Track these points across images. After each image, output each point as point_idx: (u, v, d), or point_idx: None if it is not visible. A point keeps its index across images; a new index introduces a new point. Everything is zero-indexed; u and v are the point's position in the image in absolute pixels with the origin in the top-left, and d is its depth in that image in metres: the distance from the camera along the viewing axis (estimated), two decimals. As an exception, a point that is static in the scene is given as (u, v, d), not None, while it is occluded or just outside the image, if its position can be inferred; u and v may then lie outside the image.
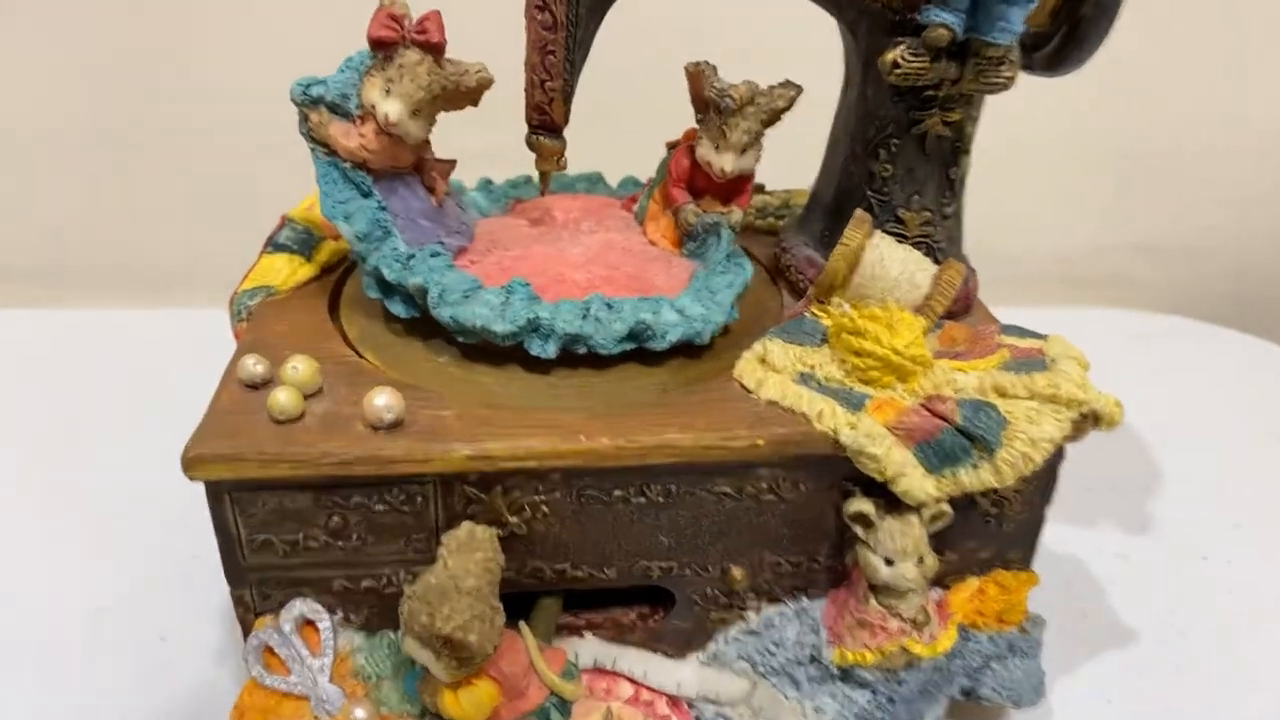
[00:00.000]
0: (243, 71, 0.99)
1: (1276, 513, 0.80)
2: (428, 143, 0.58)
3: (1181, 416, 0.93)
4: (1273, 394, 0.98)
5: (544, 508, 0.51)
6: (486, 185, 0.71)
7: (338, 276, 0.63)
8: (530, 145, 0.59)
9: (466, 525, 0.48)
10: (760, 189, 0.75)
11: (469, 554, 0.47)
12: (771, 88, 0.55)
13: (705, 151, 0.57)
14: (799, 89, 0.55)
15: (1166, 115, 1.09)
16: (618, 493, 0.51)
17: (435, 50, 0.53)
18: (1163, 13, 1.02)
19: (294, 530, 0.50)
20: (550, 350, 0.53)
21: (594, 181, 0.73)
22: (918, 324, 0.52)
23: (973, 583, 0.57)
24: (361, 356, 0.55)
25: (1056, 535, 0.75)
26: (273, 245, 0.62)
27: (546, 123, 0.57)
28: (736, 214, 0.58)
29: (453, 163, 0.62)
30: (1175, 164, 1.12)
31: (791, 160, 0.71)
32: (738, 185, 0.58)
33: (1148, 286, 1.17)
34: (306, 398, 0.50)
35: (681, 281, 0.57)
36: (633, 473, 0.50)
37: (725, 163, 0.56)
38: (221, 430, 0.48)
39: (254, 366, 0.51)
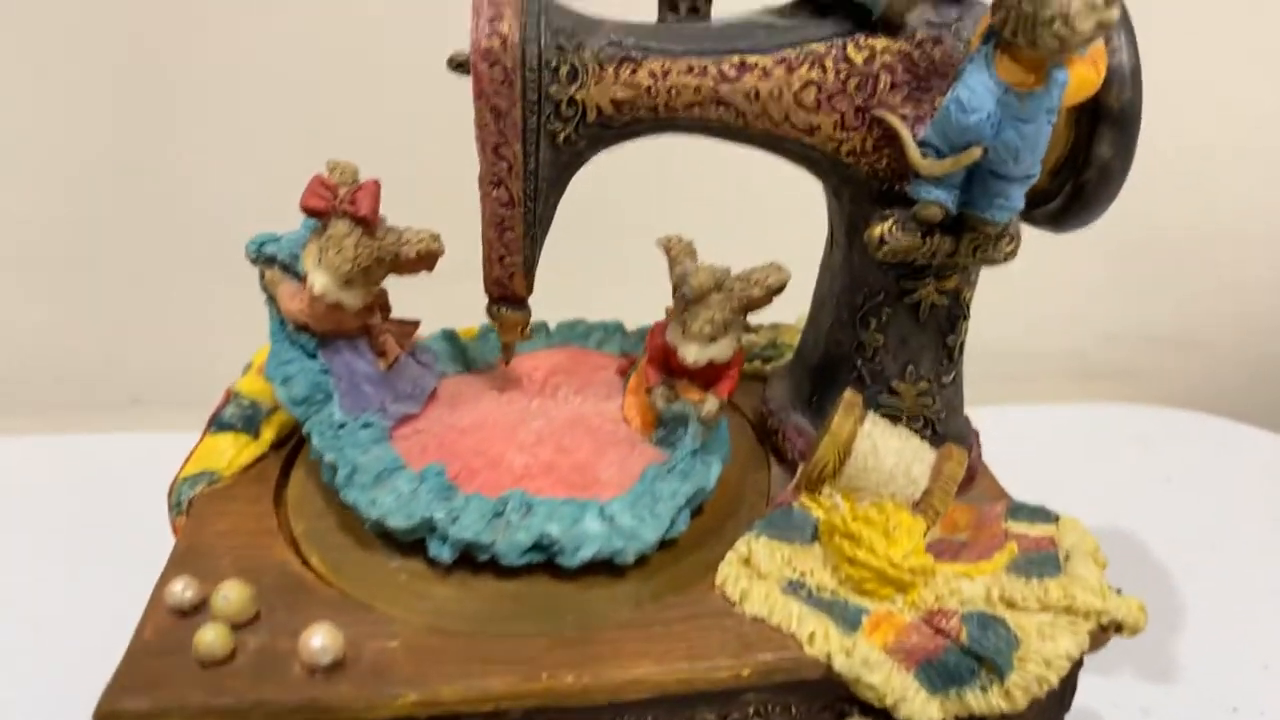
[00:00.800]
0: (210, 190, 0.95)
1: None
2: (379, 306, 0.56)
3: (1199, 530, 0.87)
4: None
5: (502, 747, 0.46)
6: (486, 333, 0.66)
7: (286, 454, 0.58)
8: (491, 316, 0.54)
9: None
10: (745, 328, 0.70)
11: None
12: (751, 272, 0.50)
13: (672, 335, 0.52)
14: (784, 276, 0.50)
15: (1175, 203, 1.06)
16: (587, 727, 0.46)
17: (364, 223, 0.51)
18: (1172, 99, 0.98)
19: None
20: (445, 555, 0.48)
21: (610, 332, 0.68)
22: (917, 528, 0.47)
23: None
24: (306, 562, 0.50)
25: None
26: (216, 424, 0.58)
27: (507, 295, 0.53)
28: (711, 404, 0.52)
29: (415, 324, 0.59)
30: (1185, 253, 1.08)
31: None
32: (718, 371, 0.53)
33: (1159, 378, 1.12)
34: (240, 627, 0.45)
35: (633, 477, 0.51)
36: (603, 708, 0.45)
37: (687, 352, 0.51)
38: (141, 679, 0.43)
39: (183, 592, 0.46)
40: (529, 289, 0.53)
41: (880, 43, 0.46)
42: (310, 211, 0.51)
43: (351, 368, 0.56)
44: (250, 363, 0.66)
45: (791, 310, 0.74)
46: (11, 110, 0.91)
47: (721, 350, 0.51)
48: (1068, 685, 0.49)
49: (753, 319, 0.72)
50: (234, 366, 0.67)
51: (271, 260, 0.54)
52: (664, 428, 0.54)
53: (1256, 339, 1.11)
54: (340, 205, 0.51)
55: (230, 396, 0.59)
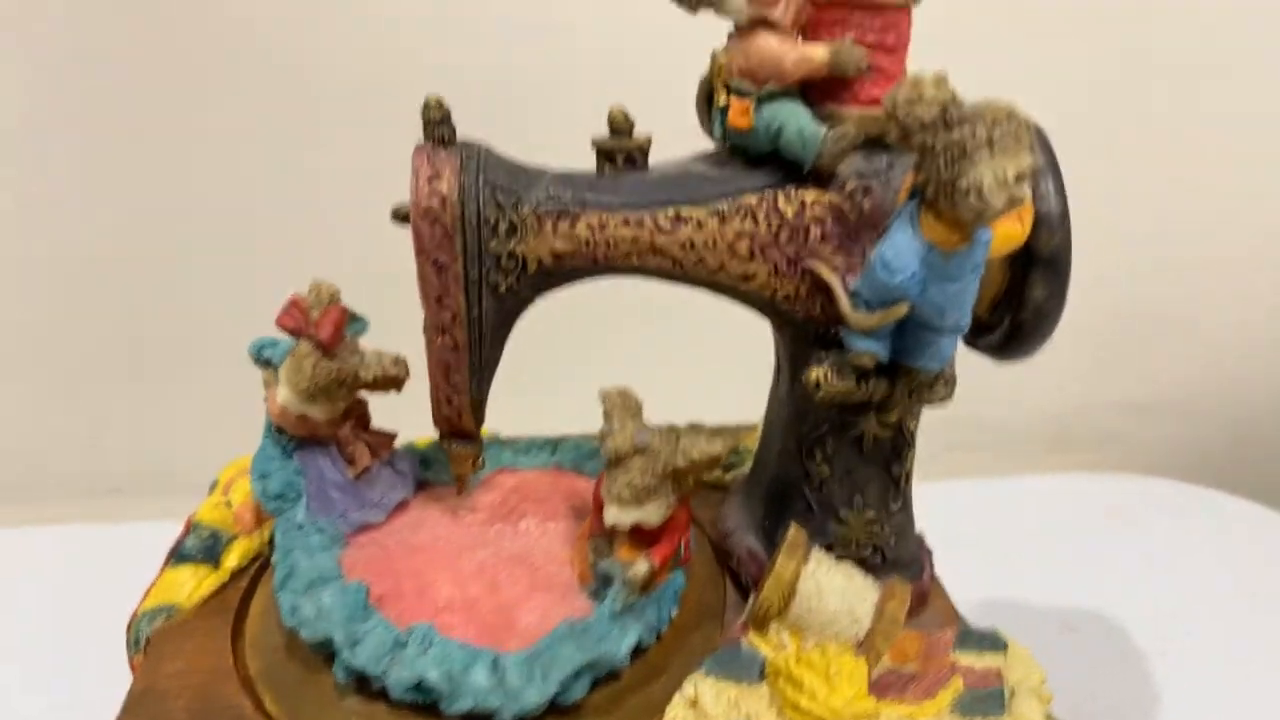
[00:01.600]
0: (194, 284, 0.97)
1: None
2: (356, 416, 0.58)
3: (1179, 604, 0.86)
4: (1275, 568, 0.92)
5: None
6: (541, 445, 0.66)
7: (246, 585, 0.59)
8: (443, 449, 0.55)
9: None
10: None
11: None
12: (684, 435, 0.50)
13: (603, 491, 0.51)
14: (714, 450, 0.49)
15: (1149, 271, 1.06)
16: None
17: (322, 347, 0.54)
18: (1146, 168, 0.99)
19: None
20: (341, 678, 0.49)
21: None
22: (859, 672, 0.47)
23: None
24: (259, 704, 0.51)
25: None
26: (177, 556, 0.58)
27: (457, 431, 0.54)
28: (640, 567, 0.49)
29: (391, 436, 0.60)
30: (1159, 318, 1.09)
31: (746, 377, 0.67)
32: (657, 532, 0.51)
33: (1136, 446, 1.12)
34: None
35: (547, 628, 0.50)
36: None
37: (608, 514, 0.49)
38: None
39: (132, 747, 0.46)
40: (479, 424, 0.54)
41: (810, 195, 0.47)
42: (282, 329, 0.54)
43: (322, 473, 0.57)
44: (215, 481, 0.67)
45: (755, 411, 0.75)
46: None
47: (648, 514, 0.49)
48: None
49: (711, 421, 0.73)
50: (214, 458, 0.67)
51: (268, 363, 0.58)
52: (595, 580, 0.53)
53: (1232, 404, 1.11)
54: (307, 328, 0.53)
55: (190, 527, 0.60)
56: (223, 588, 0.58)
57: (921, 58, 0.46)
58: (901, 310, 0.44)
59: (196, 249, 0.96)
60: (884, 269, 0.43)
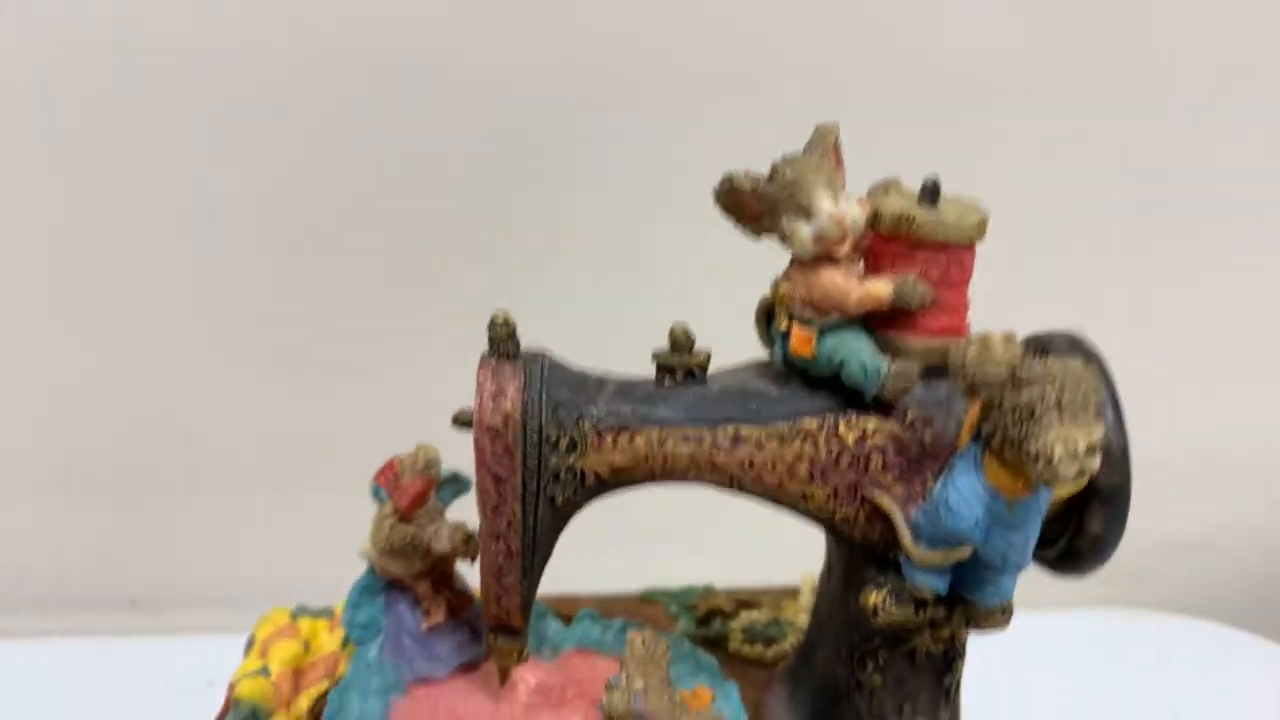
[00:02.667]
0: (207, 402, 0.97)
1: None
2: (440, 573, 0.59)
3: None
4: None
5: None
6: (590, 618, 0.65)
7: (286, 761, 0.58)
8: (489, 644, 0.55)
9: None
10: (748, 604, 0.71)
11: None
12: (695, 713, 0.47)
13: None
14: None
15: (1187, 408, 1.05)
16: None
17: (398, 512, 0.56)
18: (1186, 302, 0.99)
19: None
20: None
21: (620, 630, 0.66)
22: None
23: None
24: None
25: None
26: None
27: (505, 627, 0.53)
28: None
29: (470, 597, 0.61)
30: (1204, 454, 1.08)
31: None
32: None
33: (1169, 584, 1.11)
34: None
35: None
36: None
37: None
38: None
39: None
40: (526, 621, 0.54)
41: (872, 423, 0.47)
42: (379, 485, 0.57)
43: (400, 618, 0.59)
44: (252, 638, 0.66)
45: (794, 570, 0.75)
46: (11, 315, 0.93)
47: None
48: None
49: (750, 584, 0.73)
50: (234, 570, 0.67)
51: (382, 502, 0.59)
52: None
53: (1267, 546, 1.10)
54: (393, 491, 0.56)
55: (230, 705, 0.59)
56: (262, 764, 0.58)
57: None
58: (965, 553, 0.44)
59: (209, 368, 0.96)
60: (948, 513, 0.43)
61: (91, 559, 1.03)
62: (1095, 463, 0.39)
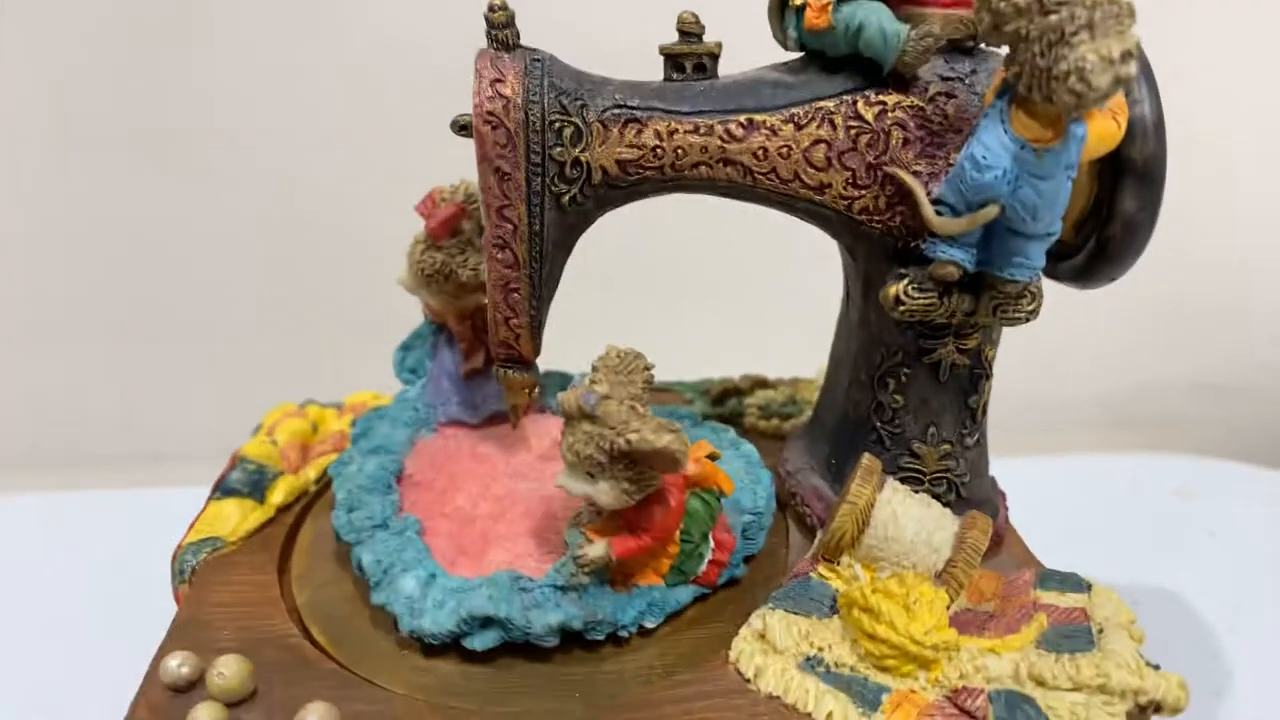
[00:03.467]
0: (228, 249, 0.96)
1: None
2: (481, 317, 0.58)
3: (1244, 588, 0.83)
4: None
5: (510, 833, 0.44)
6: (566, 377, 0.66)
7: (293, 519, 0.57)
8: (498, 379, 0.53)
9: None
10: (764, 383, 0.69)
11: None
12: (651, 419, 0.44)
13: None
14: (656, 442, 0.42)
15: (1219, 241, 1.03)
16: (594, 815, 0.44)
17: (429, 237, 0.56)
18: (1217, 127, 0.96)
19: None
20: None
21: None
22: (939, 601, 0.44)
23: None
24: (307, 633, 0.49)
25: None
26: (221, 490, 0.57)
27: (514, 357, 0.52)
28: (594, 549, 0.46)
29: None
30: (1223, 297, 1.05)
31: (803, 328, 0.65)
32: (640, 519, 0.46)
33: (1198, 427, 1.08)
34: (236, 705, 0.44)
35: (491, 570, 0.49)
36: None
37: (560, 474, 0.46)
38: (132, 761, 0.42)
39: (178, 669, 0.45)
40: (536, 351, 0.52)
41: (892, 98, 0.45)
42: (417, 212, 0.57)
43: (443, 360, 0.61)
44: (260, 424, 0.65)
45: (811, 363, 0.73)
46: (34, 175, 0.92)
47: (600, 494, 0.44)
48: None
49: (771, 374, 0.71)
50: (252, 420, 0.66)
51: None
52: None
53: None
54: (427, 217, 0.56)
55: (236, 461, 0.58)
56: (268, 523, 0.57)
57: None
58: (991, 212, 0.42)
59: (228, 211, 0.95)
60: (974, 167, 0.41)
61: (113, 413, 1.02)
62: (1131, 69, 0.37)
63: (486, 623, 0.46)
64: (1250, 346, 1.07)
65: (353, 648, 0.48)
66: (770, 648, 0.46)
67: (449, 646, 0.47)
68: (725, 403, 0.67)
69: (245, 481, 0.57)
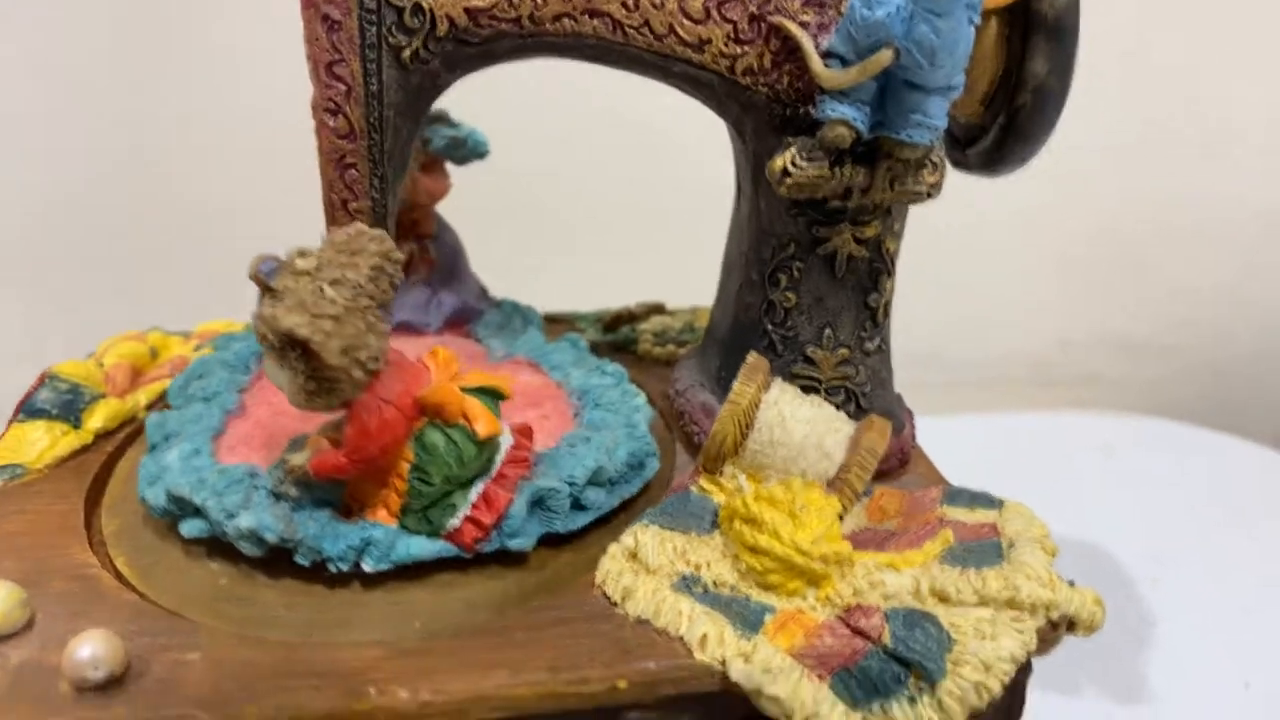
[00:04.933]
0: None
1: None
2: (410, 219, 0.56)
3: (1166, 540, 0.80)
4: (1270, 505, 0.86)
5: (332, 780, 0.37)
6: (571, 343, 0.56)
7: (115, 447, 0.50)
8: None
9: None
10: (659, 309, 0.63)
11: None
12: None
13: None
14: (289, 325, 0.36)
15: (1139, 199, 1.01)
16: (435, 756, 0.37)
17: None
18: (1131, 86, 0.94)
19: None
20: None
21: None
22: (830, 509, 0.39)
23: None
24: (111, 565, 0.42)
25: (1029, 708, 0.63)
26: (25, 411, 0.49)
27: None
28: (300, 457, 0.40)
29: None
30: (1142, 256, 1.03)
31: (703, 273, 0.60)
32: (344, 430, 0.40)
33: (1119, 385, 1.06)
34: (8, 638, 0.37)
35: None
36: (451, 730, 0.37)
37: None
38: None
39: (-66, 600, 0.37)
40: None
41: (776, -61, 0.40)
42: None
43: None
44: (92, 352, 0.58)
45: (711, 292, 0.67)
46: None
47: (283, 386, 0.39)
48: (1014, 696, 0.41)
49: (671, 303, 0.66)
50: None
51: None
52: None
53: (1216, 343, 1.06)
54: None
55: (44, 379, 0.51)
56: (83, 450, 0.49)
57: None
58: (884, 58, 0.37)
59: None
60: (864, 4, 0.36)
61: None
62: None
63: (198, 511, 0.41)
64: (1169, 305, 1.05)
65: (162, 579, 0.41)
66: (642, 568, 0.40)
67: (276, 577, 0.41)
68: (618, 329, 0.61)
69: (55, 402, 0.50)
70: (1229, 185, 1.02)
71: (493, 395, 0.41)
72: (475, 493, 0.41)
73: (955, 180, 0.44)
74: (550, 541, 0.43)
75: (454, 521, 0.40)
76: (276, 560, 0.41)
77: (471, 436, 0.40)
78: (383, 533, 0.40)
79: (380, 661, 0.36)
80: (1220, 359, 1.06)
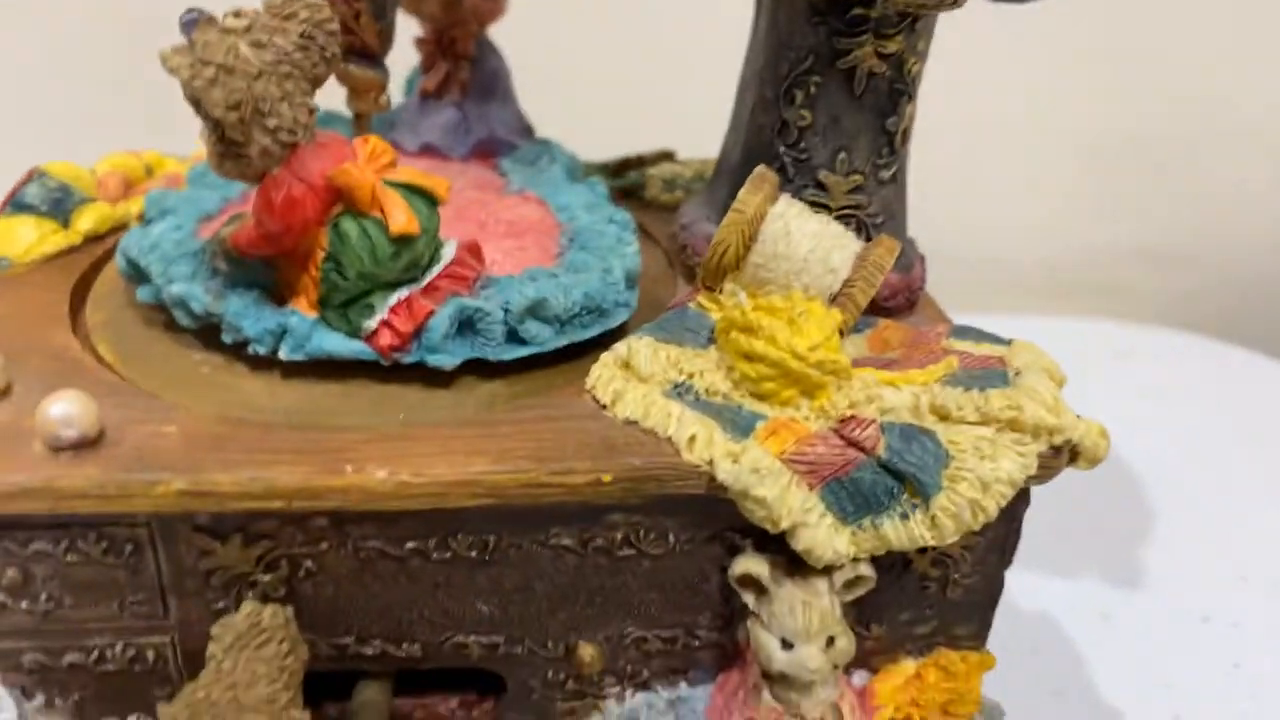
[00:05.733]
0: None
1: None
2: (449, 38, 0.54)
3: (1176, 445, 0.79)
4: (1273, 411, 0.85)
5: (308, 563, 0.37)
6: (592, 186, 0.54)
7: (105, 251, 0.49)
8: (339, 77, 0.45)
9: (246, 608, 0.35)
10: (669, 156, 0.61)
11: (253, 651, 0.34)
12: None
13: None
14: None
15: (1159, 106, 0.97)
16: (412, 545, 0.37)
17: None
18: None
19: (-48, 585, 0.35)
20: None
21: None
22: (830, 320, 0.38)
23: (907, 667, 0.43)
24: (94, 351, 0.41)
25: (1023, 588, 0.62)
26: (13, 204, 0.48)
27: (355, 45, 0.43)
28: (227, 228, 0.40)
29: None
30: (1168, 164, 1.00)
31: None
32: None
33: (1135, 295, 1.04)
34: (-19, 405, 0.36)
35: None
36: (431, 518, 0.36)
37: None
38: None
39: (-90, 361, 0.37)
40: (385, 41, 0.44)
41: None
42: None
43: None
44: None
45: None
46: None
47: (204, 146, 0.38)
48: (1011, 528, 0.40)
49: (683, 153, 0.64)
50: None
51: None
52: None
53: (1238, 256, 1.03)
54: None
55: (33, 174, 0.49)
56: (70, 250, 0.48)
57: None
58: None
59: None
60: None
61: None
62: None
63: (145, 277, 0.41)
64: (1194, 215, 1.02)
65: (145, 365, 0.41)
66: (633, 375, 0.39)
67: (260, 370, 0.40)
68: (626, 174, 0.59)
69: (45, 199, 0.48)
70: (1262, 93, 0.98)
71: (423, 196, 0.39)
72: (397, 297, 0.39)
73: (979, 72, 0.42)
74: (544, 362, 0.42)
75: (370, 323, 0.39)
76: (261, 356, 0.40)
77: (385, 229, 0.38)
78: (301, 321, 0.39)
79: (360, 443, 0.36)
80: (1245, 274, 1.03)
